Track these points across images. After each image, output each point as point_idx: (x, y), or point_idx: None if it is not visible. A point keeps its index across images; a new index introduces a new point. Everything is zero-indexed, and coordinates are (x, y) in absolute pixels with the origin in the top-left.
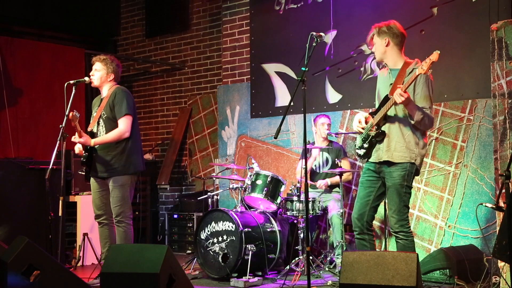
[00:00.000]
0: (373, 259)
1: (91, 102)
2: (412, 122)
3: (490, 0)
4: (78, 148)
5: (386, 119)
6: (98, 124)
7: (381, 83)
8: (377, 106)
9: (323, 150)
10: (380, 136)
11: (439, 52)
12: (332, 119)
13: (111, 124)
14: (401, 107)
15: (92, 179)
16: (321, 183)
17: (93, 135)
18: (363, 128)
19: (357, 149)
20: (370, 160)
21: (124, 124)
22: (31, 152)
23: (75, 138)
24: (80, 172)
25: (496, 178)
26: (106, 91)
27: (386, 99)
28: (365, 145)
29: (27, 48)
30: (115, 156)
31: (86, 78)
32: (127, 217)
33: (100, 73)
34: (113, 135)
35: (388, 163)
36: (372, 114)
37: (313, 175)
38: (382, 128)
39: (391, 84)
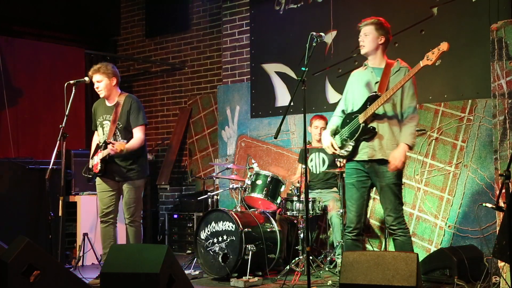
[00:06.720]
0: (373, 259)
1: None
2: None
3: (490, 0)
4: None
5: (374, 116)
6: (115, 134)
7: (358, 82)
8: (345, 104)
9: (319, 151)
10: (370, 133)
11: (447, 42)
12: None
13: (126, 133)
14: (390, 105)
15: (101, 180)
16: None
17: (106, 145)
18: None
19: (339, 148)
20: (357, 158)
21: (142, 133)
22: (31, 152)
23: (112, 147)
24: (85, 175)
25: (496, 178)
26: (115, 98)
27: (374, 96)
28: (351, 143)
29: (27, 48)
30: (132, 163)
31: (86, 78)
32: (140, 217)
33: (103, 83)
34: (138, 143)
35: (380, 161)
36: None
37: (310, 176)
38: (371, 125)
39: (376, 82)
